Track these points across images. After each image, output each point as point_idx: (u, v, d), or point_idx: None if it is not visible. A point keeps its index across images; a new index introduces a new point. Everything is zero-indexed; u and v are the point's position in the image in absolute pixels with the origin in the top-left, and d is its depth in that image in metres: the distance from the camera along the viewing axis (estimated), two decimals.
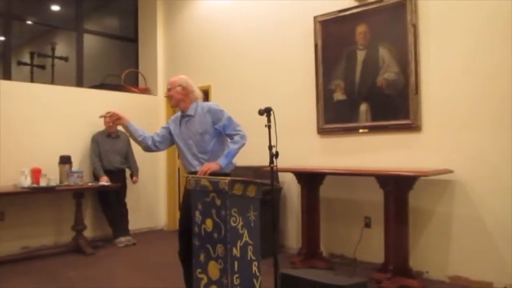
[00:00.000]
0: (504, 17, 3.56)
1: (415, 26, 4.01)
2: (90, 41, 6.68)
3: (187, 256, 3.04)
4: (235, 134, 3.13)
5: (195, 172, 3.11)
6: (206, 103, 3.28)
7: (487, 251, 3.63)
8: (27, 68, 6.28)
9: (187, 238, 2.99)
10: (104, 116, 3.34)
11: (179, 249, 3.22)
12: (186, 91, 3.21)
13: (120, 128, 5.67)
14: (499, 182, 3.58)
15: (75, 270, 4.42)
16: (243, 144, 3.15)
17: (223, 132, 3.15)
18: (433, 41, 3.96)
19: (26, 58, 6.30)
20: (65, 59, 6.45)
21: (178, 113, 3.32)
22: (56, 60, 6.38)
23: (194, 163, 3.16)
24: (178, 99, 3.22)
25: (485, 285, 3.62)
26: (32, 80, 6.17)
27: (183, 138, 3.22)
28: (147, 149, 3.31)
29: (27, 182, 4.80)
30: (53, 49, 6.38)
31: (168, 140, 3.33)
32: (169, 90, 3.26)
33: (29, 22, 6.31)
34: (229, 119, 3.16)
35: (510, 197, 3.52)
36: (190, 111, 3.20)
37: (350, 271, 4.08)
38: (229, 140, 3.17)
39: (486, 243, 3.63)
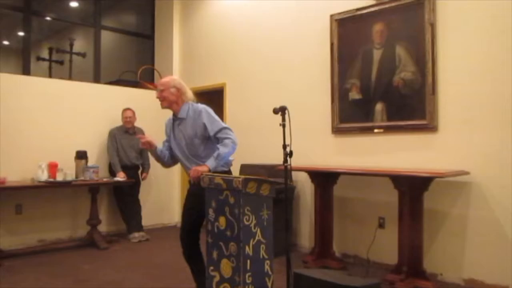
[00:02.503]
0: None
1: (432, 25, 3.95)
2: (107, 38, 6.75)
3: (192, 255, 3.15)
4: (225, 138, 3.00)
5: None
6: (198, 105, 3.16)
7: (503, 254, 3.57)
8: (46, 63, 6.37)
9: (189, 237, 3.11)
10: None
11: (183, 249, 3.21)
12: (179, 93, 3.13)
13: (136, 124, 5.77)
14: None
15: (89, 264, 4.49)
16: (234, 149, 3.02)
17: (212, 135, 3.02)
18: (451, 41, 3.90)
19: (45, 54, 6.39)
20: (83, 55, 6.52)
21: (170, 117, 3.24)
22: (74, 56, 6.45)
23: (189, 166, 3.10)
24: (171, 101, 3.11)
25: None
26: (50, 76, 6.26)
27: (176, 142, 3.16)
28: (168, 167, 3.40)
29: (44, 176, 4.88)
30: (71, 45, 6.46)
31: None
32: (161, 91, 3.12)
33: (48, 18, 6.40)
34: (219, 123, 3.06)
35: None
36: (182, 114, 3.11)
37: (363, 272, 4.06)
38: (218, 144, 3.03)
39: (503, 246, 3.57)
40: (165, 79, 3.23)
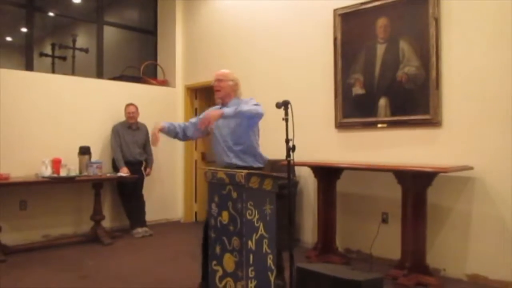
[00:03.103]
0: None
1: (437, 20, 3.93)
2: (110, 33, 6.75)
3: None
4: (254, 105, 3.13)
5: (230, 163, 3.19)
6: (249, 99, 3.29)
7: (507, 250, 3.56)
8: (49, 59, 6.37)
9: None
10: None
11: (203, 240, 3.22)
12: (236, 88, 3.32)
13: (139, 119, 5.77)
14: None
15: (93, 259, 4.50)
16: (256, 113, 3.08)
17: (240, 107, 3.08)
18: (455, 35, 3.87)
19: (48, 50, 6.40)
20: (86, 50, 6.53)
21: (217, 106, 3.38)
22: (76, 52, 6.46)
23: (230, 155, 3.22)
24: (227, 93, 3.28)
25: (504, 285, 3.55)
26: (53, 71, 6.27)
27: (219, 130, 3.28)
28: (181, 140, 3.55)
29: (47, 172, 4.89)
30: (74, 41, 6.47)
31: (200, 130, 3.36)
32: (220, 81, 3.28)
33: (50, 14, 6.40)
34: (253, 101, 3.20)
35: None
36: (230, 105, 3.24)
37: (366, 267, 4.05)
38: None
39: (506, 242, 3.56)
40: (225, 71, 3.37)
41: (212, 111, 3.08)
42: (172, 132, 3.40)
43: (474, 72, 3.76)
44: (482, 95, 3.72)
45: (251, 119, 3.14)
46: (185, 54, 6.74)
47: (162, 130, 3.32)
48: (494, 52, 3.65)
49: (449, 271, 3.88)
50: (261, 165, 3.25)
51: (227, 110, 3.04)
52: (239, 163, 3.20)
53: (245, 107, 3.05)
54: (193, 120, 3.51)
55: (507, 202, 3.57)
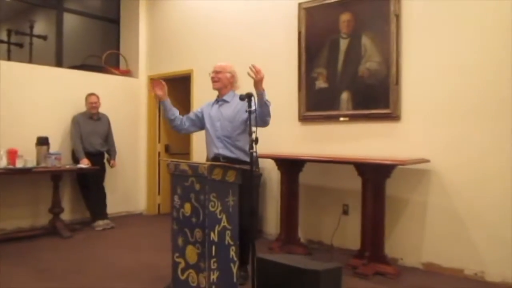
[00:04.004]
0: (485, 10, 3.61)
1: (398, 17, 4.03)
2: (70, 20, 6.52)
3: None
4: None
5: (218, 154, 3.29)
6: None
7: (459, 239, 3.73)
8: (4, 46, 6.10)
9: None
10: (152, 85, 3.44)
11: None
12: (233, 80, 3.44)
13: (101, 110, 5.64)
14: (472, 172, 3.67)
15: (51, 253, 4.39)
16: (269, 106, 3.15)
17: (255, 106, 2.99)
18: (415, 32, 3.99)
19: (3, 36, 6.12)
20: (44, 37, 6.28)
21: (212, 101, 3.51)
22: (34, 39, 6.21)
23: (218, 145, 3.32)
24: (224, 84, 3.39)
25: (456, 272, 3.73)
26: (9, 59, 6.01)
27: (211, 121, 3.40)
28: (176, 128, 3.56)
29: (2, 163, 4.71)
30: (31, 27, 6.20)
31: (195, 124, 3.53)
32: (217, 72, 3.40)
33: None
34: None
35: (483, 187, 3.62)
36: (227, 98, 3.40)
37: (327, 257, 4.15)
38: None
39: (459, 232, 3.74)
40: (223, 64, 3.47)
41: (262, 75, 3.03)
42: (172, 111, 3.45)
43: (432, 68, 3.90)
44: (438, 90, 3.86)
45: (261, 116, 3.07)
46: (148, 44, 6.62)
47: (165, 101, 3.39)
48: (451, 49, 3.79)
49: (406, 260, 4.03)
50: (248, 160, 3.20)
51: (264, 94, 3.09)
52: (227, 154, 3.27)
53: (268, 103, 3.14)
54: (191, 115, 3.57)
55: (461, 194, 3.74)
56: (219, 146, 3.32)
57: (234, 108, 3.33)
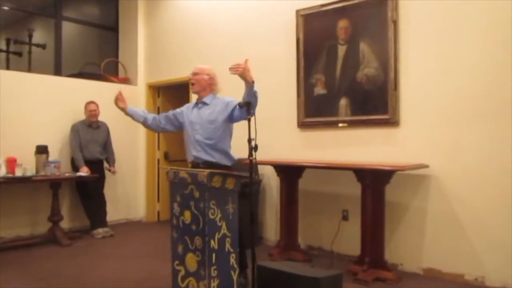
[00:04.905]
0: (483, 15, 3.63)
1: (395, 23, 4.05)
2: (68, 29, 6.54)
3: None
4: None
5: (197, 158, 3.27)
6: (227, 97, 3.36)
7: (460, 244, 3.72)
8: (3, 55, 6.11)
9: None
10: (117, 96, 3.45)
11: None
12: (211, 82, 3.37)
13: (100, 118, 5.64)
14: (472, 177, 3.67)
15: (51, 261, 4.37)
16: (256, 103, 3.09)
17: (238, 107, 3.07)
18: (412, 38, 4.01)
19: (2, 45, 6.13)
20: (43, 46, 6.29)
21: (192, 104, 3.48)
22: (33, 48, 6.22)
23: (197, 148, 3.29)
24: (203, 86, 3.34)
25: (456, 277, 3.72)
26: (8, 68, 6.02)
27: (190, 123, 3.35)
28: (150, 128, 3.59)
29: (1, 172, 4.71)
30: (30, 36, 6.21)
31: (172, 123, 3.50)
32: (195, 74, 3.35)
33: (5, 8, 6.14)
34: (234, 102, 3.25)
35: (483, 192, 3.62)
36: (207, 100, 3.35)
37: (327, 263, 4.14)
38: None
39: (459, 237, 3.73)
40: (202, 66, 3.42)
41: (248, 70, 3.03)
42: (139, 115, 3.48)
43: (431, 73, 3.91)
44: (437, 96, 3.87)
45: (242, 111, 3.04)
46: (147, 52, 6.64)
47: (127, 110, 3.42)
48: (449, 54, 3.81)
49: (406, 266, 4.02)
50: (228, 164, 3.27)
51: (253, 88, 3.05)
52: (206, 157, 3.24)
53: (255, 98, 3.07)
54: (169, 114, 3.54)
55: (460, 199, 3.74)
56: (198, 149, 3.28)
57: (213, 110, 3.30)
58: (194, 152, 3.30)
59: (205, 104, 3.35)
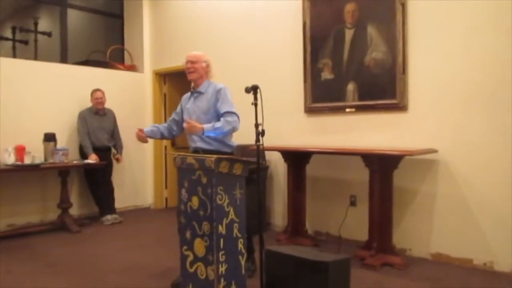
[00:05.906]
0: (493, 1, 3.56)
1: (403, 5, 3.98)
2: (74, 16, 6.52)
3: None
4: (229, 116, 3.15)
5: (196, 147, 3.25)
6: (219, 83, 3.31)
7: (468, 229, 3.71)
8: (9, 43, 6.12)
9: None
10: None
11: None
12: (208, 69, 3.33)
13: (107, 105, 5.65)
14: (481, 162, 3.64)
15: (61, 248, 4.42)
16: (233, 128, 3.16)
17: (219, 112, 3.16)
18: (421, 21, 3.94)
19: (8, 33, 6.14)
20: (49, 34, 6.29)
21: (188, 94, 3.43)
22: (39, 36, 6.22)
23: (195, 138, 3.26)
24: (200, 74, 3.29)
25: (465, 262, 3.71)
26: (14, 56, 6.03)
27: (188, 114, 3.32)
28: (170, 138, 3.74)
29: (10, 159, 4.74)
30: (36, 24, 6.21)
31: (179, 124, 3.48)
32: (193, 62, 3.28)
33: None
34: (230, 105, 3.20)
35: (491, 177, 3.59)
36: (202, 89, 3.30)
37: (335, 249, 4.15)
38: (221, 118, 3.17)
39: (467, 222, 3.71)
40: (197, 53, 3.35)
41: (196, 124, 3.08)
42: (156, 134, 3.50)
43: (439, 57, 3.85)
44: (447, 80, 3.81)
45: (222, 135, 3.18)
46: (153, 39, 6.61)
47: (143, 132, 3.41)
48: (459, 38, 3.75)
49: (414, 251, 4.01)
50: (228, 151, 3.26)
51: (207, 127, 3.08)
52: (205, 146, 3.22)
53: (222, 124, 3.10)
54: (174, 116, 3.52)
55: (469, 184, 3.71)
56: (196, 140, 3.26)
57: (207, 99, 3.26)
58: (193, 143, 3.30)
59: (200, 93, 3.31)
